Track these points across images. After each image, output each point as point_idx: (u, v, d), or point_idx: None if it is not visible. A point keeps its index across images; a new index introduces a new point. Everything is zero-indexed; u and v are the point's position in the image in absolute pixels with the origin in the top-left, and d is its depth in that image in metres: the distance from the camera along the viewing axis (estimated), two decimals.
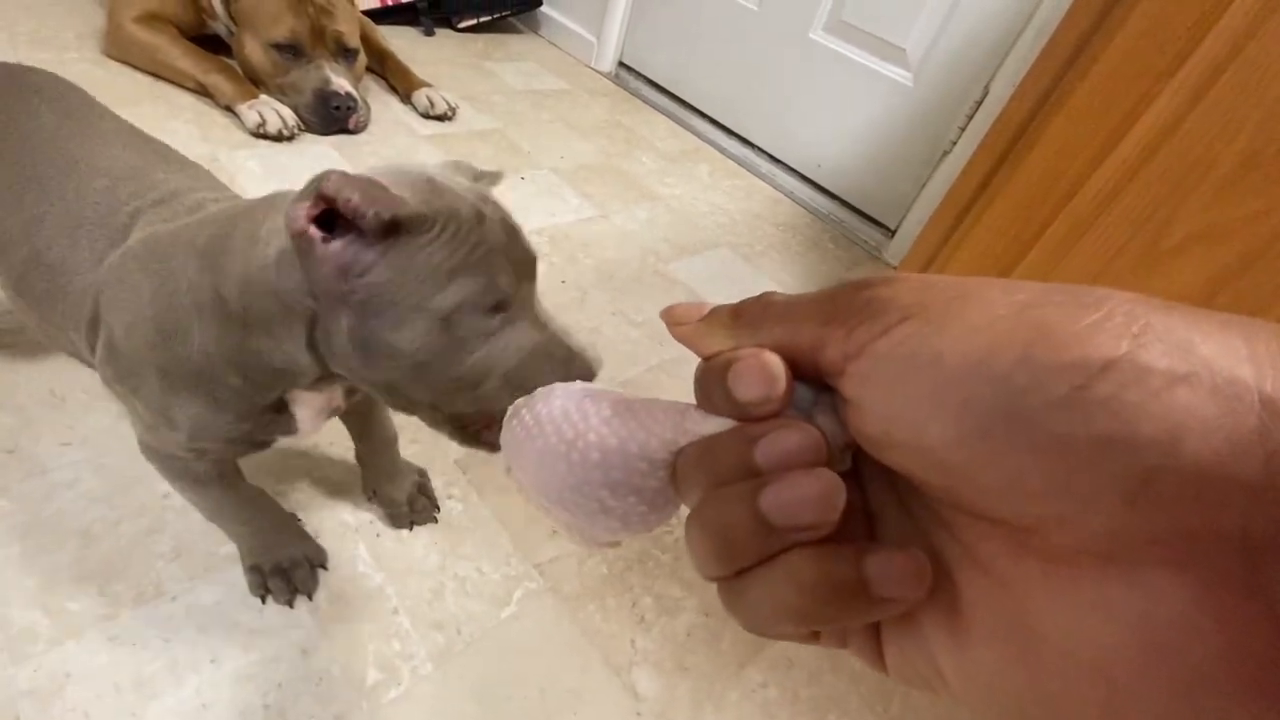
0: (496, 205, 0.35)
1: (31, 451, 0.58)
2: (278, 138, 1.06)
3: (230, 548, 0.55)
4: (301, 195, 0.30)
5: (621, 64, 1.76)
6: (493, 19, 1.73)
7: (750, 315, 0.17)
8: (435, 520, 0.62)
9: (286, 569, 0.53)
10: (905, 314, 0.14)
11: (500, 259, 0.33)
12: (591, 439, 0.19)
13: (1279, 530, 0.10)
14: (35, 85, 0.52)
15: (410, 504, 0.61)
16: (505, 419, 0.22)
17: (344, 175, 0.30)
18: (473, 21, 1.71)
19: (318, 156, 1.07)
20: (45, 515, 0.54)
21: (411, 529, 0.61)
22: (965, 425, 0.13)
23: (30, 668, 0.46)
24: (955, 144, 1.20)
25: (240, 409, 0.39)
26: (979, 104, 1.15)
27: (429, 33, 1.64)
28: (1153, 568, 0.11)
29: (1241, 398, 0.11)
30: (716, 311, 0.18)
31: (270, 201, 0.36)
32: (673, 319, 0.19)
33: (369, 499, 0.62)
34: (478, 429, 0.35)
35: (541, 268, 1.07)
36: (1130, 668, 0.11)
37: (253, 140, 1.06)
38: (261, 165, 1.01)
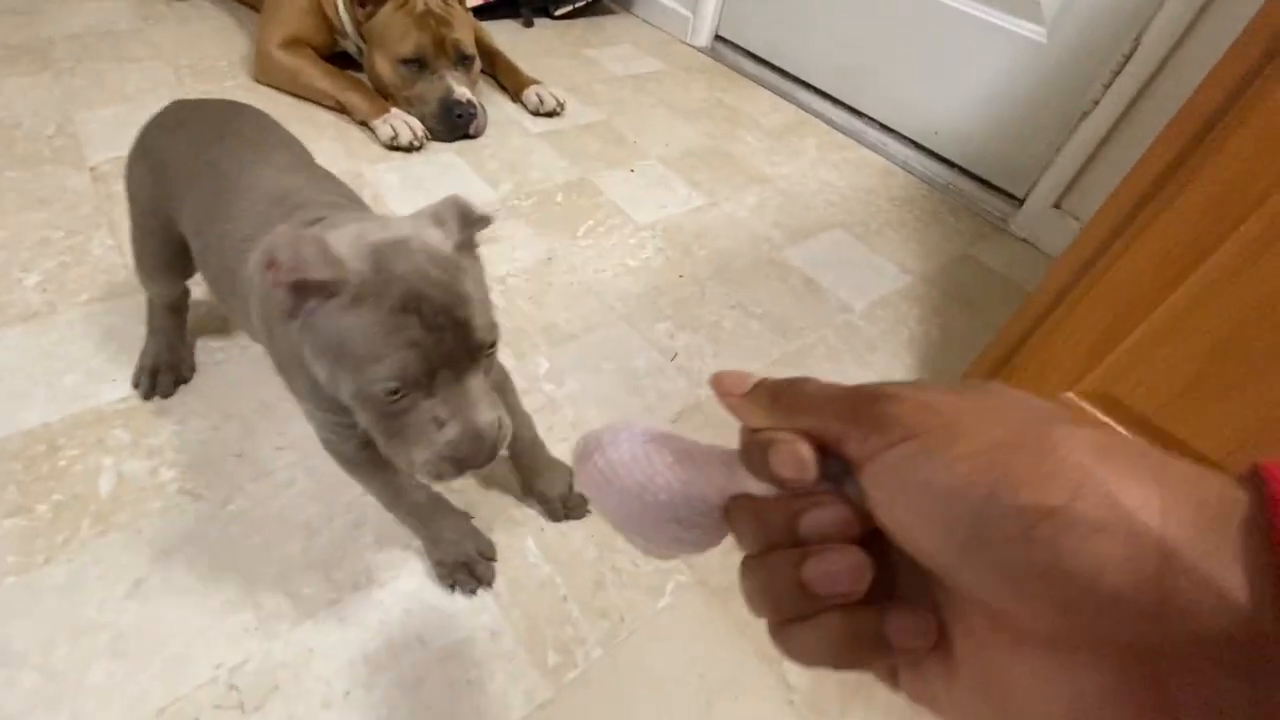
0: (446, 291, 0.37)
1: (255, 455, 0.68)
2: (409, 149, 1.14)
3: (419, 541, 0.63)
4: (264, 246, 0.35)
5: (717, 37, 1.72)
6: (588, 3, 1.74)
7: (786, 401, 0.21)
8: (588, 513, 0.67)
9: (468, 563, 0.60)
10: (907, 433, 0.18)
11: (411, 354, 0.35)
12: (659, 483, 0.24)
13: (1170, 641, 0.14)
14: (238, 126, 0.60)
15: (563, 500, 0.67)
16: (578, 459, 0.27)
17: (291, 235, 0.35)
18: (569, 8, 1.72)
19: (445, 165, 1.14)
20: (274, 511, 0.64)
21: (565, 520, 0.67)
22: (946, 540, 0.17)
23: (282, 642, 0.55)
24: (1098, 103, 1.10)
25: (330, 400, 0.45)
26: (1127, 58, 1.05)
27: (528, 24, 1.67)
28: (1082, 657, 0.15)
29: (1146, 546, 0.14)
30: (758, 389, 0.22)
31: (277, 234, 0.41)
32: (720, 388, 0.23)
33: (527, 495, 0.68)
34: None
35: (658, 262, 1.09)
36: None
37: (388, 154, 1.14)
38: (399, 177, 1.09)
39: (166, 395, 0.70)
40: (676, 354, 0.89)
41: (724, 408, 0.23)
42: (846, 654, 0.19)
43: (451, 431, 0.37)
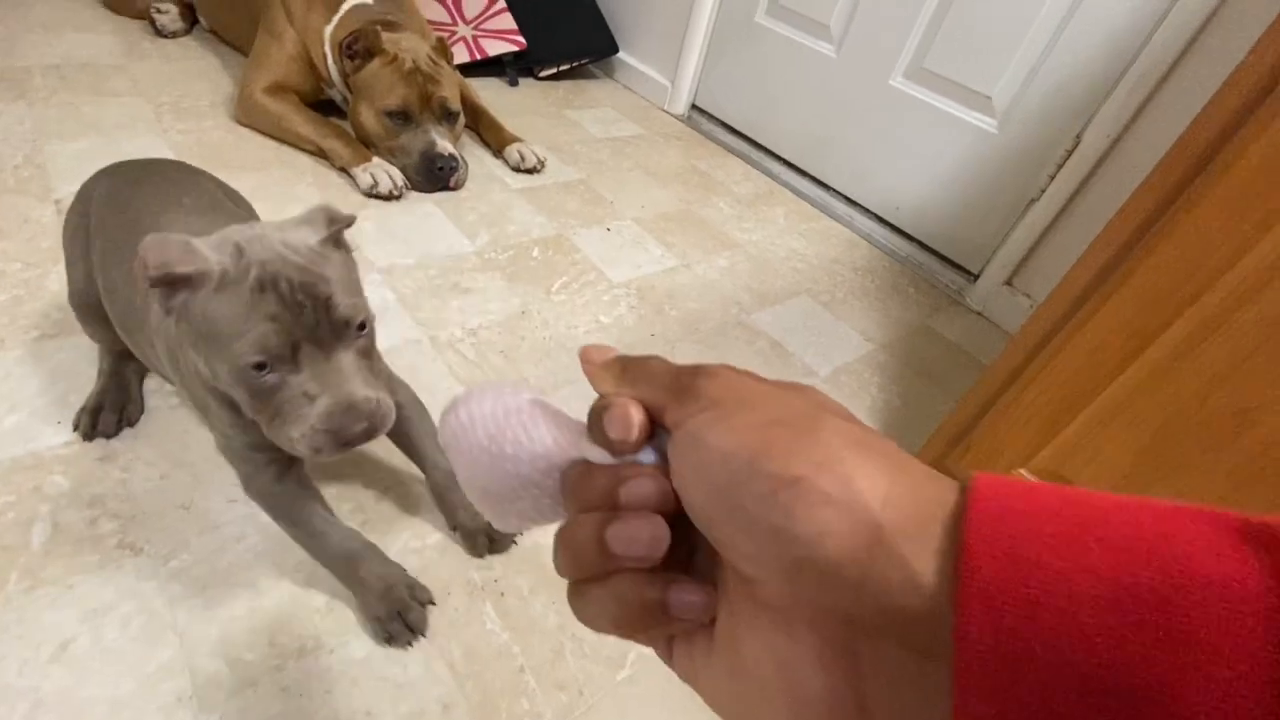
0: (304, 271, 0.39)
1: (204, 507, 0.65)
2: (388, 197, 1.15)
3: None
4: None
5: (694, 106, 1.81)
6: (572, 66, 1.81)
7: (631, 373, 0.22)
8: (513, 543, 0.68)
9: (402, 611, 0.59)
10: (707, 405, 0.19)
11: (269, 326, 0.37)
12: (509, 436, 0.23)
13: (866, 612, 0.15)
14: (153, 172, 0.62)
15: (487, 533, 0.67)
16: (444, 413, 0.27)
17: (159, 239, 0.38)
18: (554, 70, 1.79)
19: (424, 215, 1.15)
20: (220, 568, 0.61)
21: (484, 557, 0.67)
22: (710, 499, 0.18)
23: (217, 715, 0.52)
24: (1044, 191, 1.18)
25: (242, 420, 0.47)
26: (1070, 152, 1.14)
27: (513, 83, 1.73)
28: (799, 625, 0.17)
29: (863, 522, 0.15)
30: (613, 361, 0.23)
31: (146, 242, 0.43)
32: (584, 358, 0.24)
33: (453, 531, 0.68)
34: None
35: (630, 320, 1.10)
36: (775, 692, 0.17)
37: (367, 201, 1.15)
38: (376, 226, 1.10)
39: (109, 435, 0.68)
40: None
41: (586, 376, 0.24)
42: (629, 618, 0.19)
43: (322, 405, 0.38)
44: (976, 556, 0.14)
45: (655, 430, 0.21)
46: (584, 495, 0.21)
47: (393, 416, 0.40)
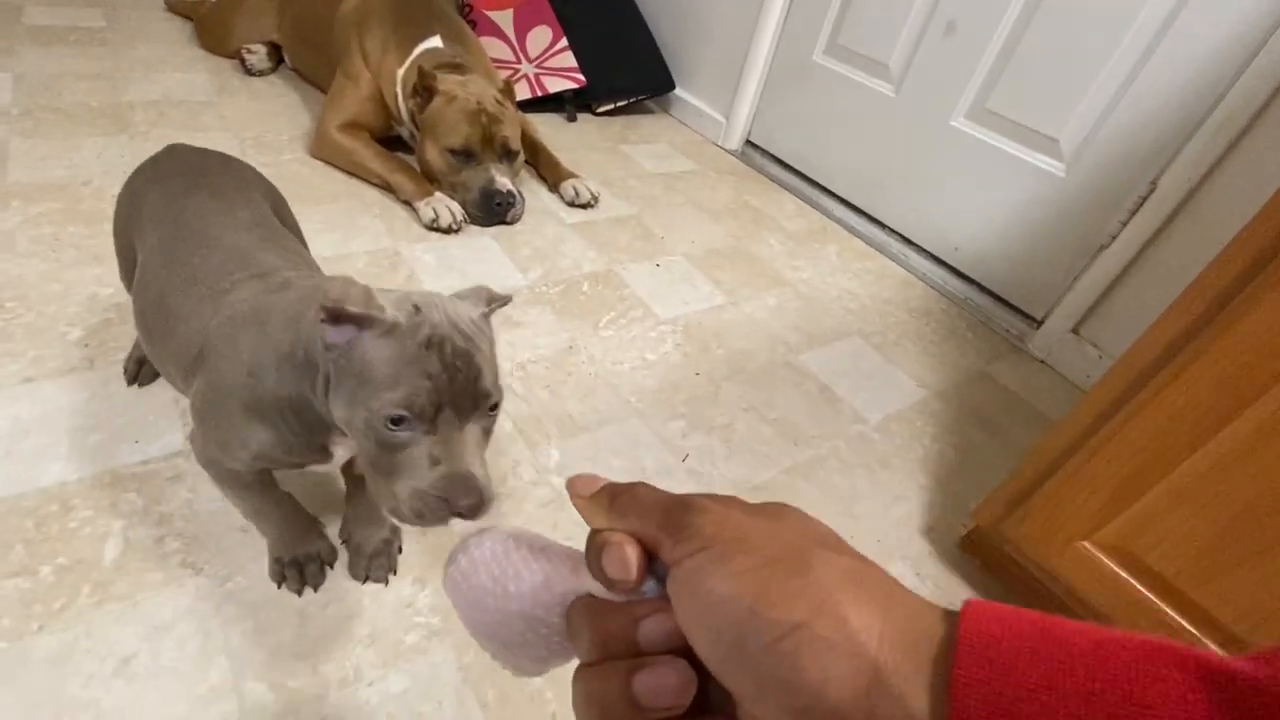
0: (466, 340, 0.40)
1: (258, 532, 0.68)
2: (447, 230, 1.19)
3: (415, 637, 0.62)
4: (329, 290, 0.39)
5: (748, 142, 1.81)
6: (629, 102, 1.85)
7: (621, 505, 0.23)
8: (386, 582, 0.65)
9: (303, 563, 0.63)
10: (703, 545, 0.20)
11: (424, 384, 0.38)
12: (510, 574, 0.24)
13: None
14: (212, 181, 0.64)
15: (370, 557, 0.66)
16: (447, 564, 0.27)
17: (347, 283, 0.39)
18: (611, 106, 1.83)
19: (481, 248, 1.19)
20: (271, 593, 0.63)
21: (365, 583, 0.65)
22: (714, 644, 0.18)
23: None
24: (1115, 238, 1.13)
25: (292, 442, 0.49)
26: (1144, 199, 1.08)
27: (571, 118, 1.78)
28: None
29: (862, 665, 0.16)
30: (601, 493, 0.24)
31: (333, 281, 0.45)
32: (572, 490, 0.25)
33: (343, 542, 0.67)
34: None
35: (676, 358, 1.10)
36: None
37: (427, 234, 1.19)
38: (435, 258, 1.14)
39: (145, 384, 0.78)
40: (688, 455, 0.89)
41: (576, 509, 0.24)
42: None
43: (441, 471, 0.39)
44: (962, 700, 0.15)
45: (653, 562, 0.21)
46: (597, 633, 0.21)
47: (495, 501, 0.40)
